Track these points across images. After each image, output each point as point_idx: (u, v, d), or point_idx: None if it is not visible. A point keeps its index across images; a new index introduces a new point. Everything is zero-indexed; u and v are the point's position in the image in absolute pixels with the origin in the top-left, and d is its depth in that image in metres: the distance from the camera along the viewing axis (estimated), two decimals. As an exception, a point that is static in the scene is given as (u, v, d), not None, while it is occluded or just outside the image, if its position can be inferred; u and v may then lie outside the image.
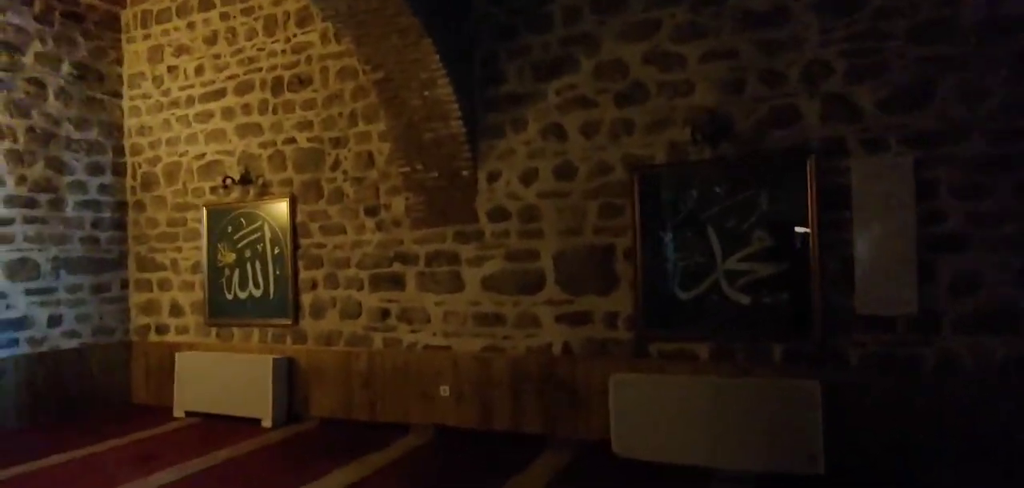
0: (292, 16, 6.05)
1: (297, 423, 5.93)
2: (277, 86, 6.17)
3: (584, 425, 4.91)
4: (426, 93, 4.94)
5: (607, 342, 4.87)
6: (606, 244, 4.88)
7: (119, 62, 7.08)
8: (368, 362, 5.76)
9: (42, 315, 6.28)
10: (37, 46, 6.32)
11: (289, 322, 6.13)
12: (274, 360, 5.93)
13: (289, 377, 6.07)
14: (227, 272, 6.48)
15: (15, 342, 6.05)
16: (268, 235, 6.25)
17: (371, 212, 5.77)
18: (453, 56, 4.88)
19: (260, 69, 6.25)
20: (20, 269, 6.12)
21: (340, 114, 5.86)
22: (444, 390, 5.42)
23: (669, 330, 4.68)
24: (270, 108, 6.21)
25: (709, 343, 4.56)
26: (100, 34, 6.90)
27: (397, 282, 5.68)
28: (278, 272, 6.22)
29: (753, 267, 4.43)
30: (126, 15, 7.08)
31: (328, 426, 5.80)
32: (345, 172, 5.87)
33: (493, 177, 5.26)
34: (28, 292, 6.18)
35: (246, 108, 6.35)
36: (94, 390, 6.69)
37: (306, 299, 6.08)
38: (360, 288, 5.83)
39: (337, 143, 5.89)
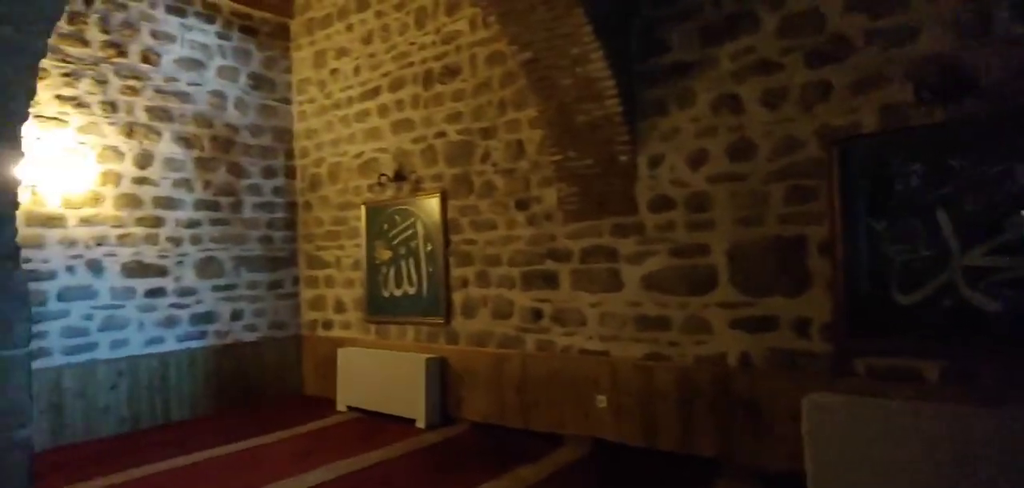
0: (441, 5, 5.88)
1: (450, 425, 5.75)
2: (428, 79, 6.04)
3: (769, 452, 4.11)
4: (578, 70, 4.45)
5: (797, 354, 4.03)
6: (795, 235, 4.04)
7: (289, 70, 7.45)
8: (520, 365, 5.41)
9: (226, 310, 6.76)
10: (219, 60, 6.81)
11: (441, 321, 5.97)
12: (426, 360, 5.81)
13: (442, 378, 5.91)
14: (384, 270, 6.51)
15: (204, 334, 6.56)
16: (421, 232, 6.16)
17: (522, 205, 5.41)
18: (607, 27, 4.33)
19: (412, 63, 6.17)
20: (207, 267, 6.61)
21: (489, 103, 5.57)
22: (601, 400, 4.89)
23: (883, 342, 3.73)
24: (421, 102, 6.11)
25: (940, 360, 3.56)
26: (271, 44, 7.30)
27: (550, 280, 5.25)
28: (431, 270, 6.09)
29: (1006, 262, 3.36)
30: (294, 25, 7.42)
31: (480, 431, 5.54)
32: (495, 164, 5.57)
33: (655, 161, 4.63)
34: (214, 289, 6.66)
35: (399, 104, 6.31)
36: (270, 381, 7.09)
37: (457, 298, 5.88)
38: (512, 286, 5.50)
39: (486, 134, 5.61)
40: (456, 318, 5.91)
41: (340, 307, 7.02)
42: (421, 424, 5.73)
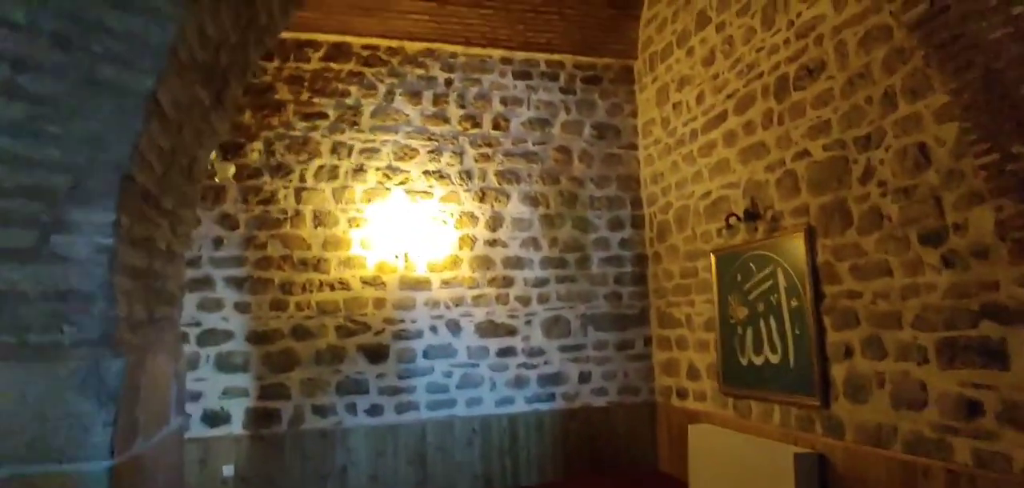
0: (793, -10, 4.57)
1: (832, 552, 4.14)
2: (781, 88, 4.74)
3: None
4: (1016, 10, 2.67)
5: None
6: None
7: (633, 114, 6.97)
8: (948, 487, 3.53)
9: (573, 371, 6.45)
10: (563, 115, 6.74)
11: (816, 403, 4.44)
12: (796, 456, 4.34)
13: (821, 482, 4.35)
14: (739, 330, 5.29)
15: (552, 397, 6.35)
16: (782, 282, 4.78)
17: (931, 239, 3.63)
18: (1077, -83, 2.50)
19: (761, 74, 4.95)
20: (554, 327, 6.45)
21: (868, 100, 3.98)
22: (1117, 577, 2.75)
23: None
24: (775, 118, 4.82)
25: None
26: (615, 91, 6.94)
27: (992, 354, 3.32)
28: (797, 331, 4.64)
29: None
30: (637, 64, 6.94)
31: (879, 572, 3.81)
32: (882, 183, 3.91)
33: None
34: (561, 349, 6.44)
35: (748, 127, 5.13)
36: (621, 451, 6.47)
37: (837, 371, 4.29)
38: (922, 361, 3.70)
39: (866, 143, 4.01)
40: (838, 400, 4.30)
41: (693, 373, 6.02)
42: (790, 542, 4.28)
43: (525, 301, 6.38)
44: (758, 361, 5.06)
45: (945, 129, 3.49)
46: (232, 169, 5.40)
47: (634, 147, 6.92)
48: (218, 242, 5.55)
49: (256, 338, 5.53)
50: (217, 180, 5.38)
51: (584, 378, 6.47)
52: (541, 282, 6.46)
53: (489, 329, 6.22)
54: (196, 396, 5.32)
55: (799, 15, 4.50)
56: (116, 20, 1.45)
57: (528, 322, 6.36)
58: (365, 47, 6.22)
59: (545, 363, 6.36)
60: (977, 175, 3.29)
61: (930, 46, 3.06)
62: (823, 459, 4.36)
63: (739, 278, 5.28)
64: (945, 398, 3.57)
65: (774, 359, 4.88)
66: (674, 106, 6.23)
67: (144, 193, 1.57)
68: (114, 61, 1.44)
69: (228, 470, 5.31)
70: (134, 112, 1.45)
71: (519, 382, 6.25)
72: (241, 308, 5.52)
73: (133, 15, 1.46)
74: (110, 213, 1.40)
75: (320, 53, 6.11)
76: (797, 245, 4.60)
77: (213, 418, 5.37)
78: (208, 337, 5.40)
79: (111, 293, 1.40)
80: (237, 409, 5.43)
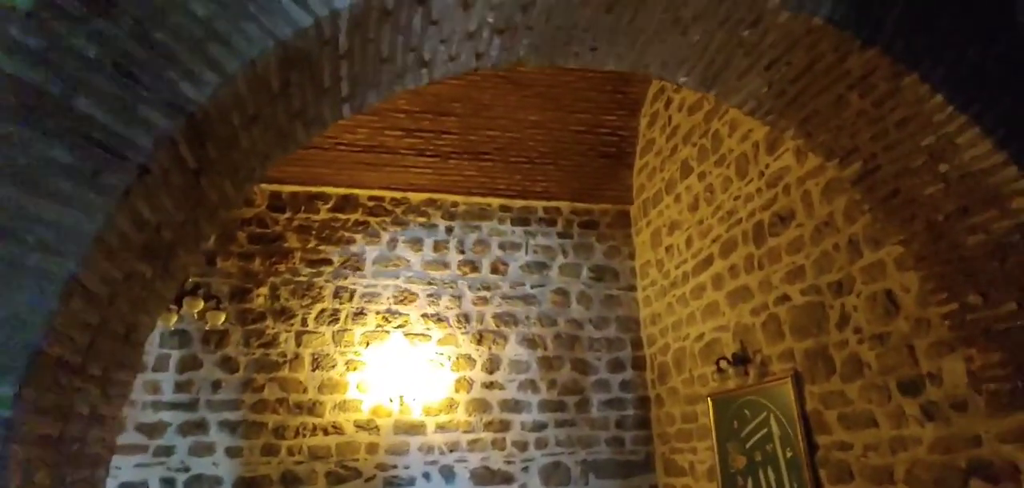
0: (762, 145, 4.76)
1: None
2: (758, 234, 4.83)
3: None
4: (942, 168, 2.76)
5: None
6: None
7: (631, 256, 7.09)
8: None
9: (575, 522, 6.19)
10: (561, 259, 6.90)
11: (818, 564, 4.16)
12: None
13: None
14: (740, 480, 5.07)
15: (552, 550, 6.06)
16: (776, 431, 4.63)
17: (909, 389, 3.53)
18: (980, 83, 2.62)
19: (739, 220, 5.07)
20: (553, 473, 6.26)
21: (836, 247, 4.03)
22: None
23: None
24: (755, 263, 4.87)
25: None
26: (612, 234, 7.12)
27: (985, 515, 3.13)
28: (796, 485, 4.43)
29: None
30: (633, 209, 7.15)
31: None
32: (858, 329, 3.87)
33: None
34: (561, 497, 6.22)
35: (733, 271, 5.18)
36: None
37: (835, 530, 4.05)
38: (917, 520, 3.49)
39: (839, 289, 4.01)
40: (838, 562, 4.03)
41: (698, 527, 5.71)
42: None
43: (522, 446, 6.25)
44: (758, 515, 4.80)
45: (908, 277, 3.50)
46: (223, 317, 5.61)
47: (633, 288, 6.99)
48: (216, 385, 5.69)
49: (243, 485, 5.51)
50: (208, 328, 5.60)
51: (586, 530, 6.19)
52: (539, 426, 6.35)
53: (485, 476, 6.07)
54: (180, 546, 5.27)
55: (767, 166, 4.67)
56: (53, 213, 1.66)
57: (525, 468, 6.20)
58: (371, 198, 6.61)
59: (544, 513, 6.13)
60: (942, 325, 3.25)
61: (873, 201, 3.15)
62: None
63: (736, 425, 5.12)
64: (944, 563, 3.33)
65: (774, 514, 4.63)
66: (667, 249, 6.34)
67: (61, 364, 1.71)
68: (42, 249, 1.62)
69: None
70: (52, 295, 1.62)
71: (516, 534, 6.01)
72: (232, 452, 5.55)
73: (69, 208, 1.67)
74: (12, 387, 1.54)
75: (329, 204, 6.50)
76: (786, 391, 4.50)
77: (197, 570, 5.28)
78: (194, 483, 5.41)
79: (3, 463, 1.51)
80: (221, 560, 5.33)
